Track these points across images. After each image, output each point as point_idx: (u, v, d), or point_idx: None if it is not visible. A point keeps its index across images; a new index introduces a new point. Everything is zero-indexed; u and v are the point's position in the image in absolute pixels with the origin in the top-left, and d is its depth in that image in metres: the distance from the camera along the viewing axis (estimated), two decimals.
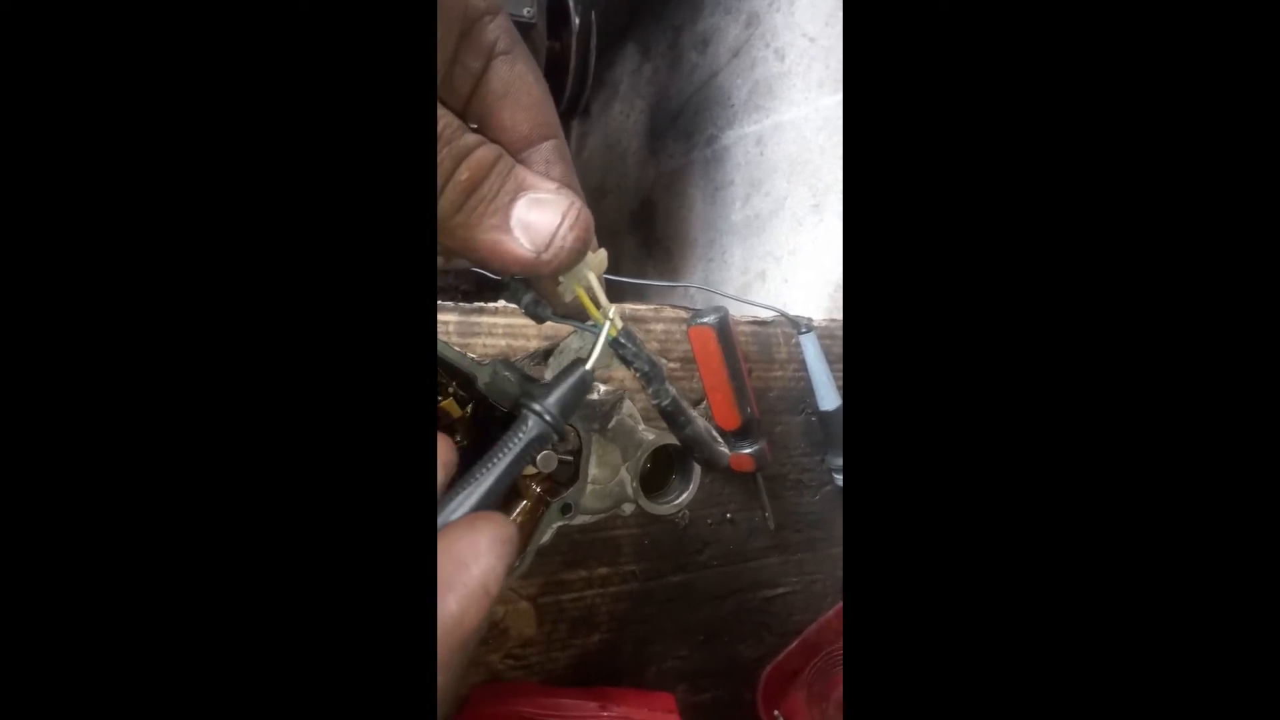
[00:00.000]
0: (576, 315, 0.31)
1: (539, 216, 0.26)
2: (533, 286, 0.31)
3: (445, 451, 0.26)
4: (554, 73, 1.08)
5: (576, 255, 0.27)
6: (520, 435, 0.28)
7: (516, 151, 0.27)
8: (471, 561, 0.22)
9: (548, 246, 0.26)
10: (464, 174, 0.24)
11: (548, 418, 0.28)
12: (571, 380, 0.29)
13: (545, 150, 0.28)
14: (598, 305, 0.30)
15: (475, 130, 0.26)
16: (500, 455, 0.27)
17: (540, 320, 0.32)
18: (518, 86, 0.27)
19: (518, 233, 0.26)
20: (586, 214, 0.27)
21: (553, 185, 0.27)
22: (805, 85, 0.92)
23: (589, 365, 0.30)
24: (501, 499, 0.27)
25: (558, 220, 0.26)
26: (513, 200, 0.26)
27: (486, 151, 0.25)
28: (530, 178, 0.26)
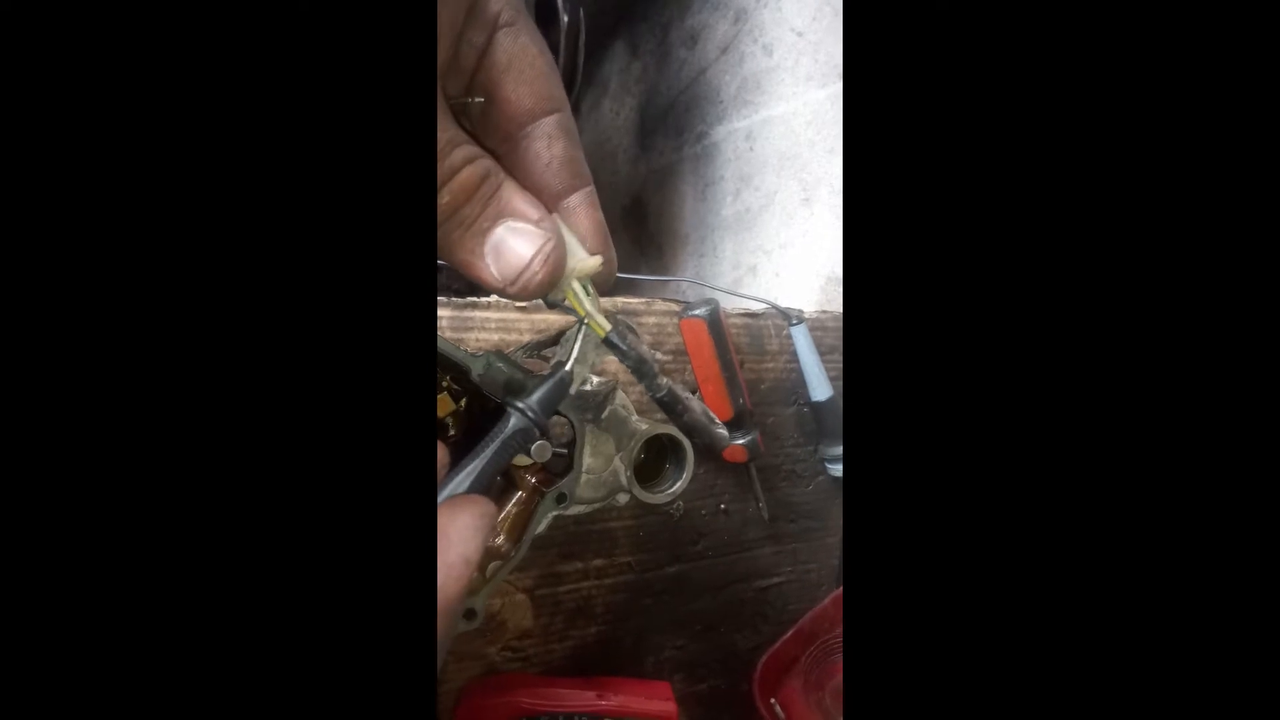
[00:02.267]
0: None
1: (512, 248, 0.26)
2: None
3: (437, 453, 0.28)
4: None
5: (545, 288, 0.27)
6: (503, 429, 0.30)
7: (521, 126, 0.27)
8: (454, 536, 0.24)
9: (514, 281, 0.26)
10: (445, 198, 0.25)
11: (529, 414, 0.30)
12: (553, 380, 0.31)
13: (548, 125, 0.28)
14: (587, 311, 0.31)
15: (473, 129, 0.26)
16: (484, 448, 0.29)
17: (552, 306, 0.33)
18: (521, 59, 0.26)
19: (489, 260, 0.26)
20: (560, 250, 0.27)
21: (535, 215, 0.27)
22: (794, 80, 0.93)
23: (568, 366, 0.31)
24: (486, 488, 0.29)
25: (529, 255, 0.26)
26: (491, 227, 0.26)
27: (472, 173, 0.25)
28: (515, 203, 0.26)
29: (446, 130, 0.24)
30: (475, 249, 0.26)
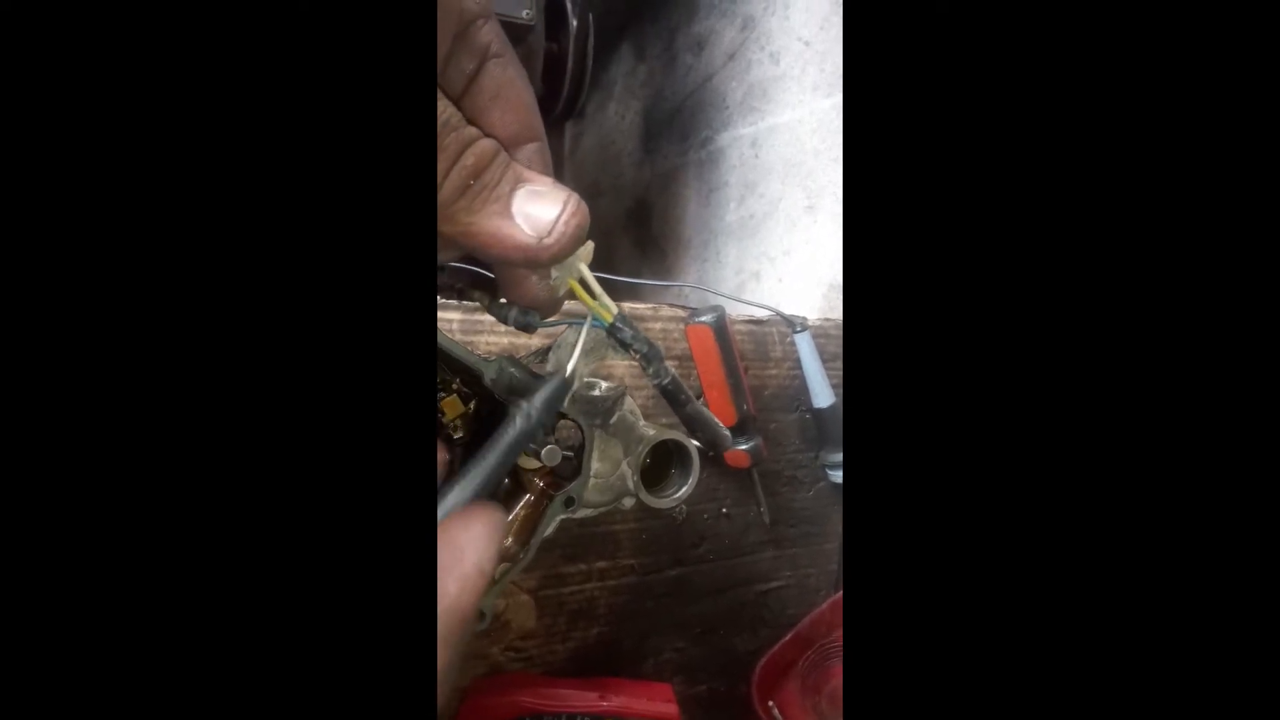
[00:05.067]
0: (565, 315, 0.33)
1: (538, 207, 0.27)
2: (513, 298, 0.33)
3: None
4: (552, 74, 1.09)
5: (575, 243, 0.28)
6: (508, 431, 0.30)
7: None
8: (468, 547, 0.24)
9: (549, 233, 0.27)
10: (469, 159, 0.25)
11: (534, 414, 0.30)
12: (556, 380, 0.32)
13: (529, 151, 0.29)
14: (592, 294, 0.31)
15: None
16: (489, 450, 0.29)
17: (531, 330, 0.33)
18: (508, 89, 0.28)
19: (519, 220, 0.27)
20: (584, 205, 0.28)
21: (549, 180, 0.28)
22: (800, 88, 0.93)
23: (570, 365, 0.32)
24: (494, 489, 0.29)
25: (559, 209, 0.27)
26: (513, 190, 0.27)
27: (488, 143, 0.26)
28: (527, 171, 0.27)
29: (453, 110, 0.25)
30: (504, 211, 0.27)
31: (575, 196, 0.28)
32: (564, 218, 0.27)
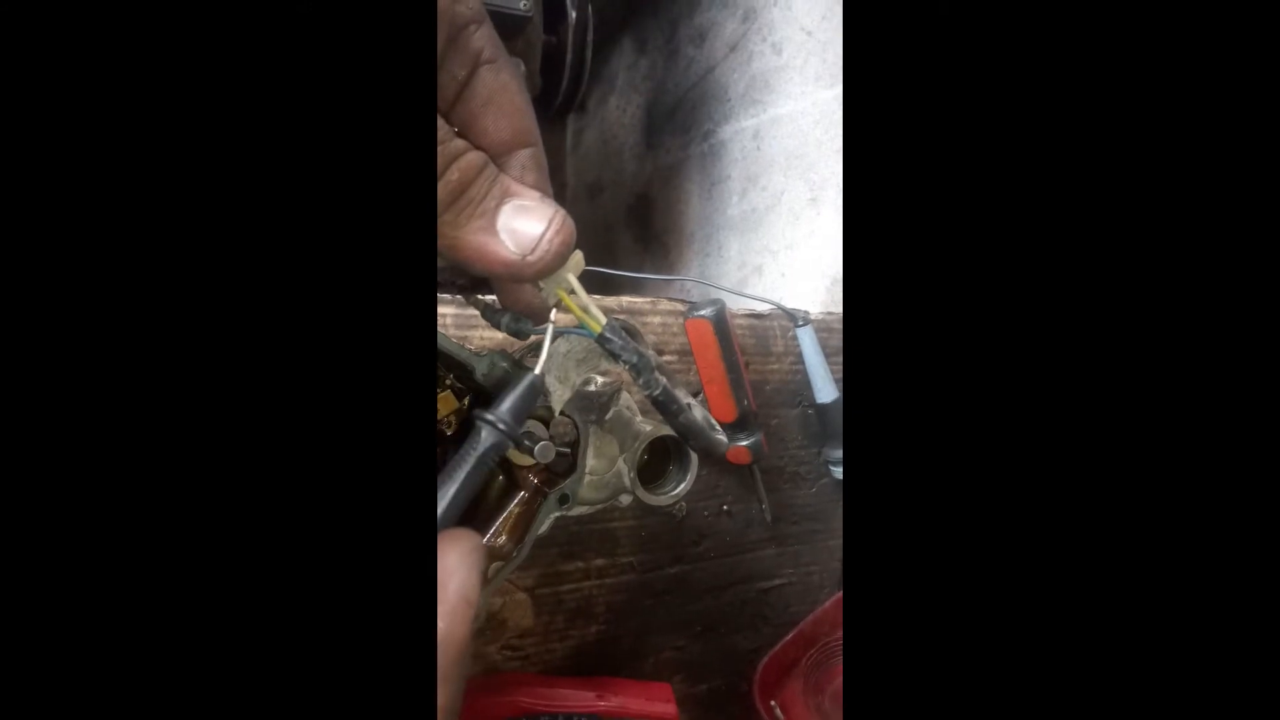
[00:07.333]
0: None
1: (524, 223, 0.26)
2: (507, 305, 0.32)
3: None
4: (551, 68, 1.08)
5: (560, 260, 0.27)
6: (474, 447, 0.28)
7: (495, 157, 0.28)
8: (448, 580, 0.23)
9: (533, 250, 0.26)
10: (454, 175, 0.25)
11: (501, 426, 0.28)
12: (522, 386, 0.30)
13: (523, 157, 0.29)
14: (581, 305, 0.30)
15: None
16: (458, 469, 0.28)
17: (523, 337, 0.33)
18: (501, 94, 0.27)
19: (504, 236, 0.26)
20: (570, 222, 0.28)
21: (536, 194, 0.27)
22: (802, 79, 0.92)
23: (536, 369, 0.30)
24: (463, 510, 0.28)
25: (543, 226, 0.27)
26: (499, 205, 0.26)
27: (475, 156, 0.26)
28: (515, 185, 0.27)
29: (441, 123, 0.25)
30: (489, 227, 0.26)
31: (562, 213, 0.27)
32: (549, 235, 0.27)
